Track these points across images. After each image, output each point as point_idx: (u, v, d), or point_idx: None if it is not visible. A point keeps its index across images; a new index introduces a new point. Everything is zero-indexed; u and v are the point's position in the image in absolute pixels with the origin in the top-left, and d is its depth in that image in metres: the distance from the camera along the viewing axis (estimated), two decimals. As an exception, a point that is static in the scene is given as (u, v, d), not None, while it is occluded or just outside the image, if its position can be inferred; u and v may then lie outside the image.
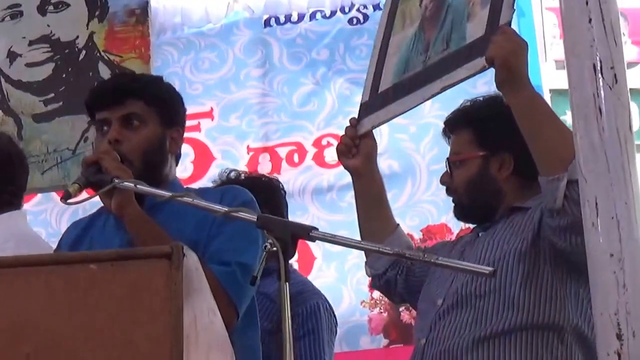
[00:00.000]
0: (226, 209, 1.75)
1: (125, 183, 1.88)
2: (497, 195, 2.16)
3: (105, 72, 3.02)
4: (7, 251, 2.19)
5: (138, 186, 1.87)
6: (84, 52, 3.05)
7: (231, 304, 1.93)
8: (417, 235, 3.64)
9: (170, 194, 1.83)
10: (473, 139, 2.18)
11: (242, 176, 2.81)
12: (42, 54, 3.08)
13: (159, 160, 2.10)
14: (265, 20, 3.92)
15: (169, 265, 1.33)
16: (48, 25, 3.09)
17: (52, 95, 3.05)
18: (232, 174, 2.80)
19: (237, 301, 1.94)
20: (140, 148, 2.05)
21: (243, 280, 1.95)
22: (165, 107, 2.12)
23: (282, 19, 3.92)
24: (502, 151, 2.15)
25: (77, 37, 3.06)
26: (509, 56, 1.88)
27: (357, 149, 2.26)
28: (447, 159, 2.23)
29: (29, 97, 3.06)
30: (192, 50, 3.92)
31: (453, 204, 2.23)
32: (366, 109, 2.29)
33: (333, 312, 2.77)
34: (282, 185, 2.88)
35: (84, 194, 1.97)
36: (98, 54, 3.04)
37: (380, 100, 2.25)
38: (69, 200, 1.87)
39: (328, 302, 2.76)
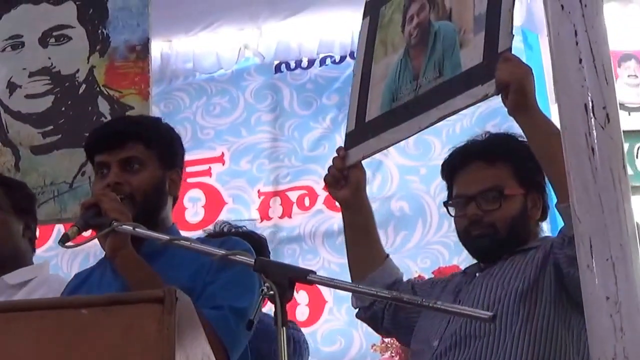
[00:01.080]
0: (224, 252, 1.74)
1: (124, 226, 1.87)
2: (528, 236, 2.13)
3: (104, 107, 3.00)
4: None
5: (137, 229, 1.86)
6: (83, 86, 3.04)
7: (222, 349, 1.89)
8: (429, 277, 3.63)
9: (169, 237, 1.82)
10: (513, 174, 2.13)
11: (234, 230, 2.81)
12: (42, 86, 3.06)
13: (159, 203, 2.08)
14: (275, 66, 3.98)
15: (162, 310, 1.30)
16: (49, 58, 3.08)
17: (51, 127, 3.03)
18: (225, 227, 2.82)
19: (229, 346, 1.91)
20: (140, 189, 2.03)
21: (235, 325, 1.92)
22: (165, 149, 2.11)
23: (293, 65, 3.97)
24: (534, 191, 2.13)
25: (78, 70, 3.05)
26: (524, 80, 1.86)
27: (345, 180, 2.21)
28: (490, 190, 2.11)
29: (28, 128, 3.04)
30: (204, 95, 3.99)
31: (478, 238, 2.11)
32: (353, 138, 2.24)
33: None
34: (270, 252, 2.90)
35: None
36: (98, 89, 3.02)
37: (369, 129, 2.20)
38: (67, 244, 1.87)
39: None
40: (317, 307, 3.61)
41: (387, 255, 2.28)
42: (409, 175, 3.73)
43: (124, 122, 2.33)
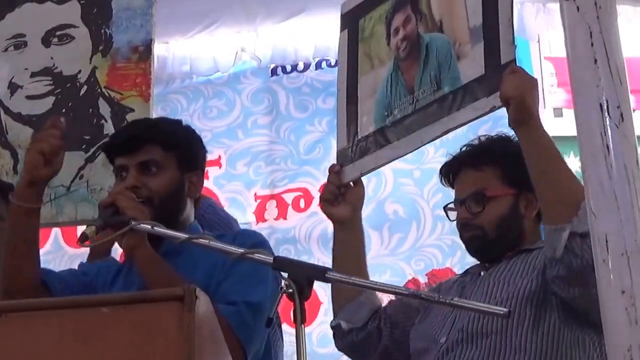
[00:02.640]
0: (242, 251, 1.76)
1: (142, 225, 1.89)
2: (522, 235, 2.14)
3: (105, 109, 2.96)
4: None
5: (155, 228, 1.87)
6: (85, 87, 3.00)
7: (238, 344, 1.91)
8: (423, 280, 3.68)
9: (187, 236, 1.83)
10: (501, 175, 2.15)
11: None
12: (44, 86, 3.02)
13: (177, 205, 2.09)
14: (272, 69, 4.00)
15: (181, 308, 1.33)
16: (51, 58, 3.04)
17: None
18: None
19: (244, 340, 1.93)
20: (158, 192, 2.05)
21: (250, 318, 1.94)
22: (183, 151, 2.12)
23: (289, 68, 3.99)
24: (527, 190, 2.12)
25: (80, 71, 3.01)
26: (526, 96, 1.87)
27: (342, 197, 2.18)
28: (475, 194, 2.14)
29: (27, 130, 2.99)
30: (201, 98, 4.01)
31: (470, 240, 2.15)
32: (347, 155, 2.20)
33: None
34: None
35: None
36: (99, 90, 2.98)
37: (366, 145, 2.16)
38: (86, 243, 1.89)
39: None
40: (312, 308, 3.62)
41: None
42: (402, 178, 3.76)
43: (141, 125, 2.34)
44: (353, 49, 2.27)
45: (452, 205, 2.23)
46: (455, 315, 2.07)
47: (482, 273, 2.16)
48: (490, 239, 2.13)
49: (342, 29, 2.34)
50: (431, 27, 2.08)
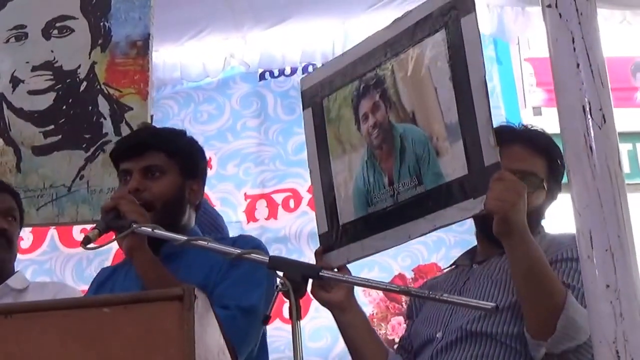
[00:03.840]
0: (239, 251, 1.82)
1: (143, 228, 1.95)
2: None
3: (104, 107, 2.94)
4: None
5: (155, 230, 1.93)
6: (84, 83, 2.98)
7: (230, 348, 1.91)
8: (409, 275, 3.76)
9: (186, 238, 1.89)
10: (546, 170, 2.13)
11: None
12: (45, 81, 3.00)
13: (178, 209, 2.16)
14: (260, 74, 4.07)
15: (181, 307, 1.37)
16: (52, 51, 3.00)
17: (52, 127, 2.96)
18: None
19: (237, 345, 1.97)
20: (160, 196, 2.11)
21: (243, 322, 1.99)
22: (185, 159, 2.20)
23: (276, 73, 4.06)
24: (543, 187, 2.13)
25: (79, 66, 2.99)
26: (510, 211, 1.82)
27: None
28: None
29: (29, 127, 2.96)
30: (192, 103, 4.06)
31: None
32: (330, 240, 2.15)
33: None
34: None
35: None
36: (98, 87, 2.96)
37: (350, 233, 2.12)
38: (89, 245, 1.93)
39: None
40: (303, 304, 3.65)
41: (388, 349, 2.23)
42: (390, 176, 3.82)
43: (147, 132, 2.43)
44: (320, 129, 2.21)
45: None
46: (451, 311, 2.10)
47: (474, 265, 2.17)
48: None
49: (304, 107, 2.26)
50: (403, 117, 2.01)
